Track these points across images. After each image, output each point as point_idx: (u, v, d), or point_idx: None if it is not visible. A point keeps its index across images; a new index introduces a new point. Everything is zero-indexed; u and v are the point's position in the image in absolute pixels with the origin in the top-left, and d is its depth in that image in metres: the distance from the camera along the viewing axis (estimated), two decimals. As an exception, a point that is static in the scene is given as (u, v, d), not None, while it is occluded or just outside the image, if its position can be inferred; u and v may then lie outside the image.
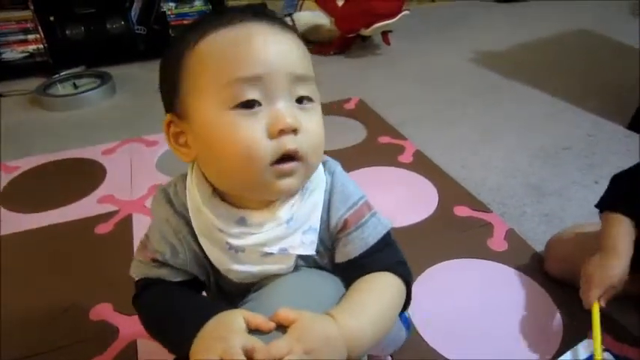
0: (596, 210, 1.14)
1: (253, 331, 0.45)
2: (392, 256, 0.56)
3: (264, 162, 0.46)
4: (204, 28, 0.48)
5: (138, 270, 0.56)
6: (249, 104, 0.46)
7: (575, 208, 1.17)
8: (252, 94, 0.45)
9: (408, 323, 0.79)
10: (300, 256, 0.54)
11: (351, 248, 0.54)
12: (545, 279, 0.95)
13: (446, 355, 0.81)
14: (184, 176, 0.55)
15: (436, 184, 1.26)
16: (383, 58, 2.21)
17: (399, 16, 2.09)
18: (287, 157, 0.47)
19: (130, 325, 0.87)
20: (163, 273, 0.55)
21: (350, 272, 0.55)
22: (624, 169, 0.87)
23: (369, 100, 1.76)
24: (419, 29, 2.49)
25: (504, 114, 1.64)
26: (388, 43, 2.23)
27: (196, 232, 0.53)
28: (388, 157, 1.39)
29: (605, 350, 0.73)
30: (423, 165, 1.35)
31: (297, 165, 0.48)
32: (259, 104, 0.46)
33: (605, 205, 0.84)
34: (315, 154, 0.50)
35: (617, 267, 0.75)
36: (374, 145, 1.47)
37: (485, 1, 2.94)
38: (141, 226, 1.13)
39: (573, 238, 0.93)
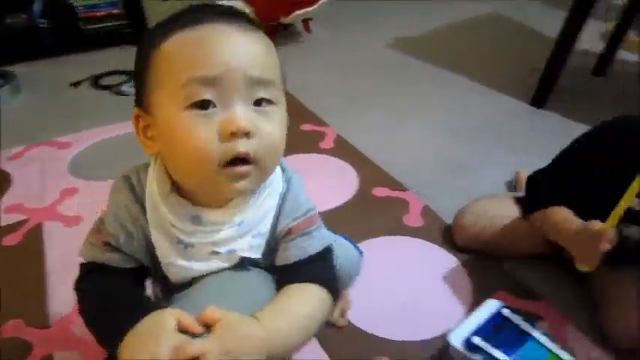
0: (501, 181, 1.23)
1: (185, 331, 0.45)
2: (326, 270, 0.58)
3: (212, 164, 0.46)
4: (171, 27, 0.48)
5: (87, 253, 0.56)
6: (204, 105, 0.46)
7: (486, 182, 1.24)
8: (206, 95, 0.46)
9: (359, 249, 0.83)
10: (245, 257, 0.55)
11: (290, 254, 0.56)
12: (457, 249, 1.01)
13: (371, 332, 0.85)
14: (147, 166, 0.55)
15: (356, 168, 1.29)
16: (305, 46, 2.22)
17: (319, 3, 2.09)
18: (240, 159, 0.47)
19: (44, 340, 0.83)
20: (113, 258, 0.54)
21: (285, 276, 0.57)
22: (538, 170, 0.95)
23: (291, 88, 1.74)
24: (339, 16, 2.51)
25: (422, 97, 1.70)
26: (309, 31, 2.24)
27: (149, 223, 0.53)
28: (310, 143, 1.41)
29: (505, 307, 0.79)
30: (343, 150, 1.38)
31: (249, 168, 0.48)
32: (214, 105, 0.46)
33: (538, 206, 0.89)
34: (270, 158, 0.50)
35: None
36: (296, 132, 1.48)
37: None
38: (52, 235, 1.08)
39: (476, 210, 0.99)
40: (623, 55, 1.82)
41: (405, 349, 0.83)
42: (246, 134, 0.46)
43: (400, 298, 0.92)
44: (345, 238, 0.82)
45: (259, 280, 0.57)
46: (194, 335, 0.45)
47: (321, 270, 0.57)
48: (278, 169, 0.57)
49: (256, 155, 0.47)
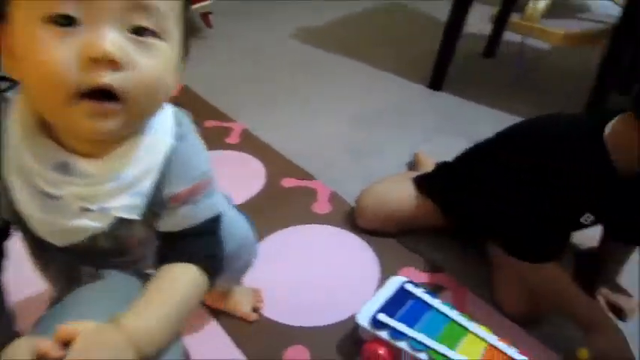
0: (403, 162, 1.27)
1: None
2: (209, 246, 0.54)
3: (66, 92, 0.39)
4: None
5: None
6: (65, 21, 0.38)
7: (389, 164, 1.28)
8: (68, 9, 0.38)
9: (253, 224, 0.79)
10: (122, 217, 0.49)
11: (174, 222, 0.52)
12: (363, 231, 1.03)
13: (284, 322, 0.85)
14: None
15: (263, 161, 1.28)
16: (206, 41, 2.15)
17: (216, -4, 2.05)
18: (105, 94, 0.40)
19: None
20: None
21: (166, 245, 0.53)
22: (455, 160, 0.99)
23: (194, 86, 1.71)
24: (241, 8, 2.47)
25: (326, 86, 1.72)
26: (209, 25, 2.18)
27: (7, 168, 0.45)
28: (215, 140, 1.38)
29: (408, 282, 0.82)
30: (250, 144, 1.36)
31: (114, 106, 0.41)
32: (79, 24, 0.38)
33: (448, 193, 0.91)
34: (145, 98, 0.42)
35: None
36: (200, 130, 1.43)
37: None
38: None
39: (375, 193, 1.03)
40: (509, 36, 1.94)
41: (318, 335, 0.83)
42: (113, 63, 0.39)
43: (311, 286, 0.92)
44: (247, 220, 0.78)
45: (128, 288, 0.53)
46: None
47: (203, 243, 0.53)
48: (169, 120, 0.50)
49: (125, 91, 0.40)
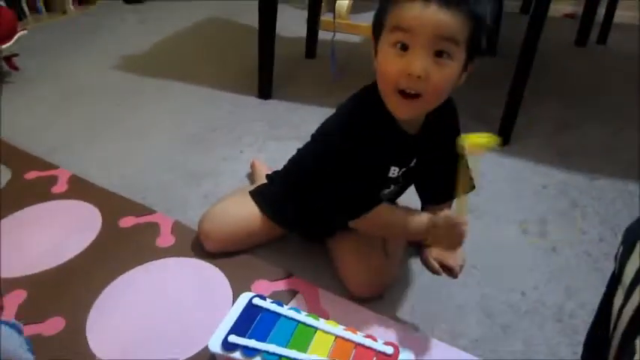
0: (244, 176, 1.28)
1: None
2: None
3: None
4: None
5: None
6: None
7: (229, 181, 1.29)
8: None
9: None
10: None
11: None
12: (211, 256, 1.02)
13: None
14: None
15: (97, 204, 1.20)
16: (16, 86, 1.94)
17: (15, 37, 1.86)
18: None
19: None
20: None
21: None
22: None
23: (8, 136, 1.53)
24: (52, 46, 2.27)
25: (154, 113, 1.66)
26: (15, 69, 1.97)
27: None
28: (39, 192, 1.25)
29: (255, 296, 0.83)
30: (80, 189, 1.26)
31: None
32: None
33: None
34: None
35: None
36: (20, 184, 1.30)
37: (113, 6, 2.85)
38: None
39: (215, 214, 1.02)
40: (328, 35, 2.05)
41: (175, 373, 0.81)
42: None
43: (162, 324, 0.89)
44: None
45: None
46: None
47: None
48: None
49: None
